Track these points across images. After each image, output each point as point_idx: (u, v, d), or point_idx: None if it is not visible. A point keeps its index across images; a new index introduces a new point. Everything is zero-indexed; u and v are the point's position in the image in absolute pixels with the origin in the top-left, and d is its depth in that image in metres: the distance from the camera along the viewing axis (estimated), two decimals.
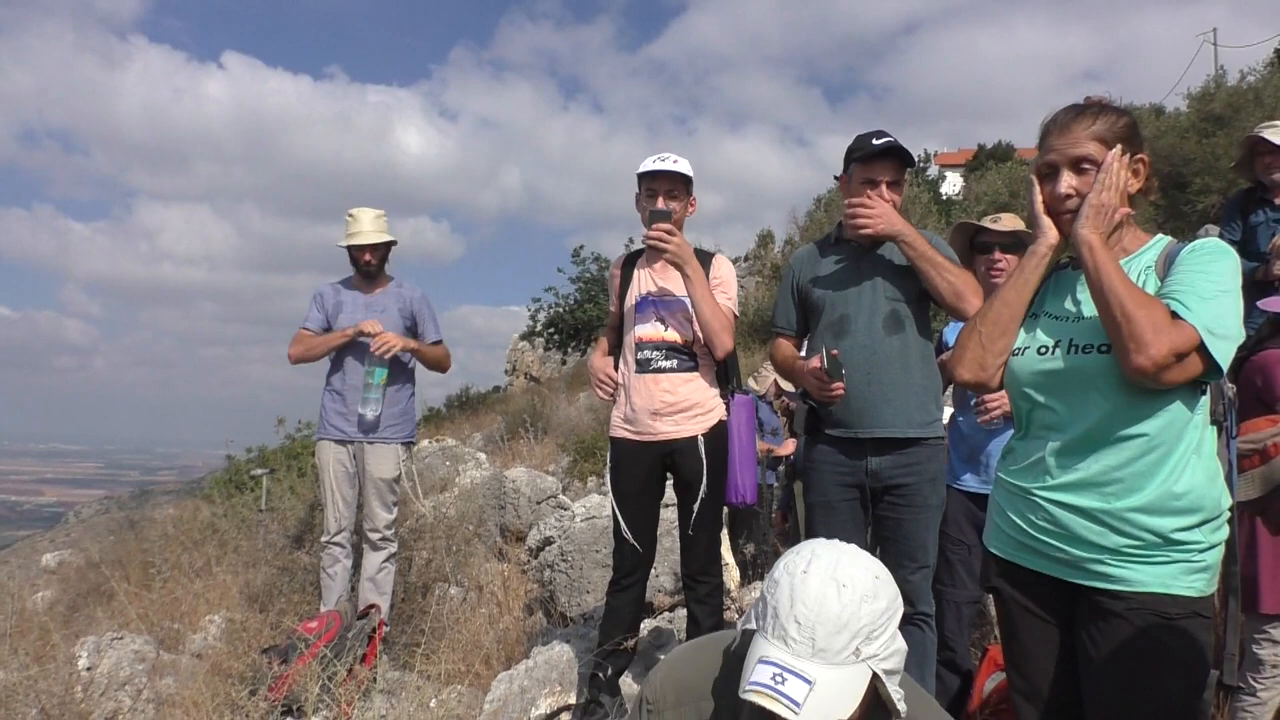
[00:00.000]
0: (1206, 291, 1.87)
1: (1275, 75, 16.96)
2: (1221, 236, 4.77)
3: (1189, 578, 1.88)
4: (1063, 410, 2.02)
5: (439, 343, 4.92)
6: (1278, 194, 4.64)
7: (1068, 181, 2.03)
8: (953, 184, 27.91)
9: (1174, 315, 1.83)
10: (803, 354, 3.38)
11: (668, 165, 3.51)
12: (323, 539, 4.69)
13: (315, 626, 3.96)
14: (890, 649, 1.53)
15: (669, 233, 3.37)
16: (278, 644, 3.95)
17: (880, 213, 3.04)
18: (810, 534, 3.30)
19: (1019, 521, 2.09)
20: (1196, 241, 2.00)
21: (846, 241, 3.27)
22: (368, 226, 4.77)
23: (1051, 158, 2.06)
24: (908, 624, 3.14)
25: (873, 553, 3.63)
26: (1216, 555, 1.92)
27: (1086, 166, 2.02)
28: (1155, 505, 1.89)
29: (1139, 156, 2.05)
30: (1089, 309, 2.03)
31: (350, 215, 4.82)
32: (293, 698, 3.41)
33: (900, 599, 1.60)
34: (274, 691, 3.48)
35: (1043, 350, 2.07)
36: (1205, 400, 1.96)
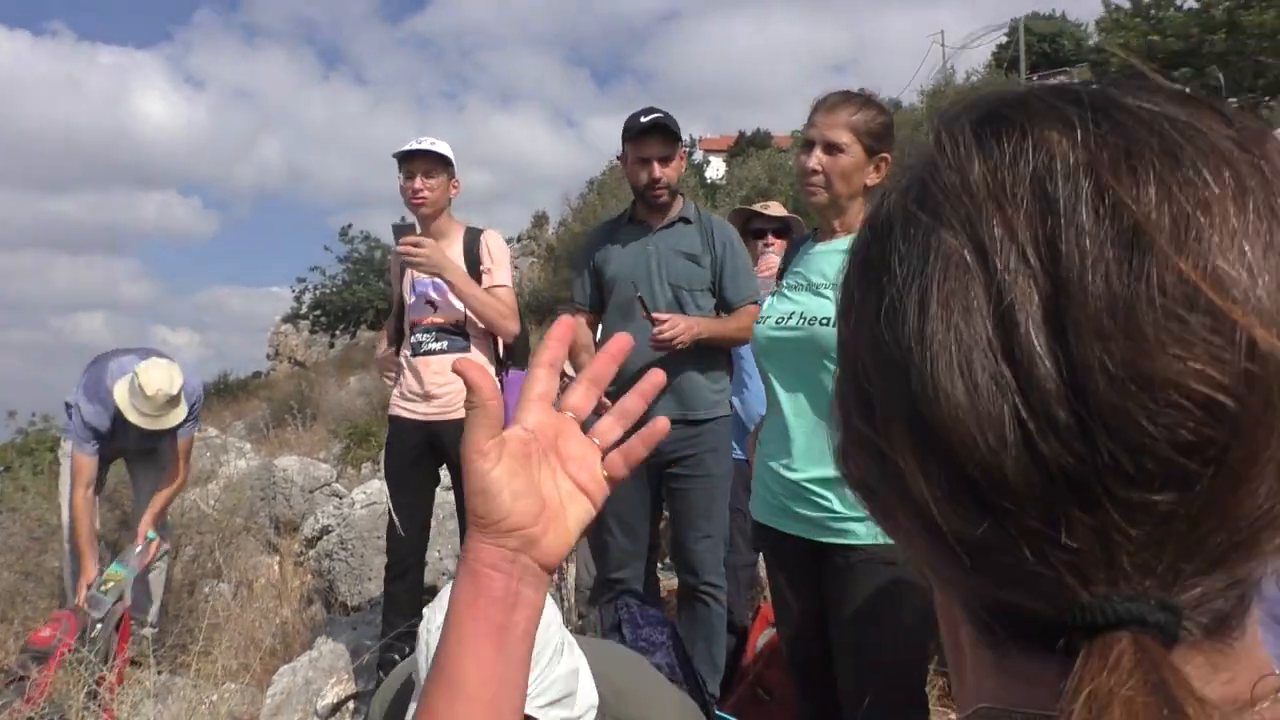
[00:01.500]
0: None
1: (994, 75, 19.09)
2: None
3: None
4: (795, 380, 2.20)
5: (189, 438, 4.43)
6: None
7: (817, 158, 2.21)
8: (716, 169, 29.05)
9: None
10: (597, 337, 3.39)
11: (424, 145, 3.48)
12: (65, 537, 4.30)
13: (49, 635, 3.62)
14: (538, 686, 1.43)
15: (416, 244, 3.29)
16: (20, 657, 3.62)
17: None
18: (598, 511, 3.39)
19: (773, 487, 2.25)
20: None
21: (637, 223, 3.36)
22: (153, 408, 3.97)
23: (812, 134, 2.24)
24: (692, 598, 3.19)
25: (665, 528, 3.75)
26: None
27: (836, 150, 2.19)
28: None
29: (882, 155, 2.25)
30: (820, 281, 2.21)
31: (141, 386, 3.90)
32: (55, 708, 3.15)
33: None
34: (29, 704, 3.20)
35: (780, 321, 2.23)
36: None
